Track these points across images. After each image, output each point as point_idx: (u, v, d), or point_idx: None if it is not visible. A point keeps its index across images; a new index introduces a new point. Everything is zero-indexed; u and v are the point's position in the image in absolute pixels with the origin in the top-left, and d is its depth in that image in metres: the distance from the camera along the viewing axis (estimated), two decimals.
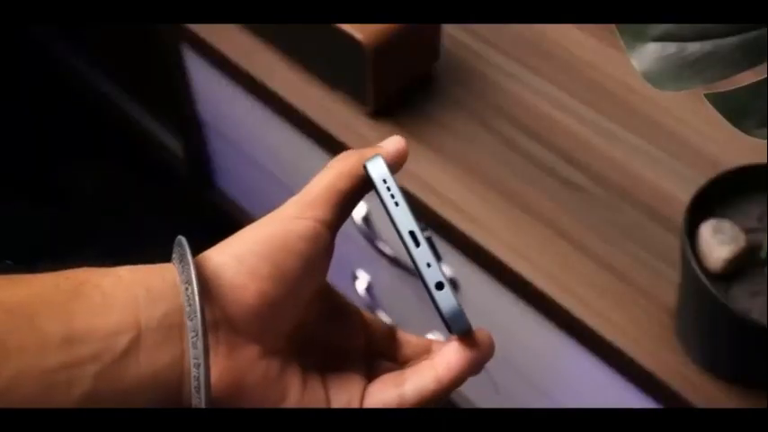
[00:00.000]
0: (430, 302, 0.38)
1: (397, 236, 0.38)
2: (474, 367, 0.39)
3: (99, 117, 1.70)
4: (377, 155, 0.39)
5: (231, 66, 1.04)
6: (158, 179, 1.62)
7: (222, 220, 1.37)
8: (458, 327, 0.38)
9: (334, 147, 0.94)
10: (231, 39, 1.04)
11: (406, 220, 0.38)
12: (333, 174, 0.40)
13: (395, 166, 0.40)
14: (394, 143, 0.41)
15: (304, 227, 0.38)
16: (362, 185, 0.40)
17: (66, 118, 1.71)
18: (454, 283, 0.94)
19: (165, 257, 0.38)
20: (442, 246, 0.89)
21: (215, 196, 1.40)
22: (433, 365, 0.39)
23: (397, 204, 0.38)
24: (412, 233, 0.38)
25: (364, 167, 0.39)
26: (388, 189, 0.38)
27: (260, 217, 0.40)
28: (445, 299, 0.37)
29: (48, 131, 1.71)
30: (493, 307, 0.92)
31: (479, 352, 0.38)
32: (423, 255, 0.38)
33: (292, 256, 0.38)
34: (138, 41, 1.38)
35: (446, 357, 0.38)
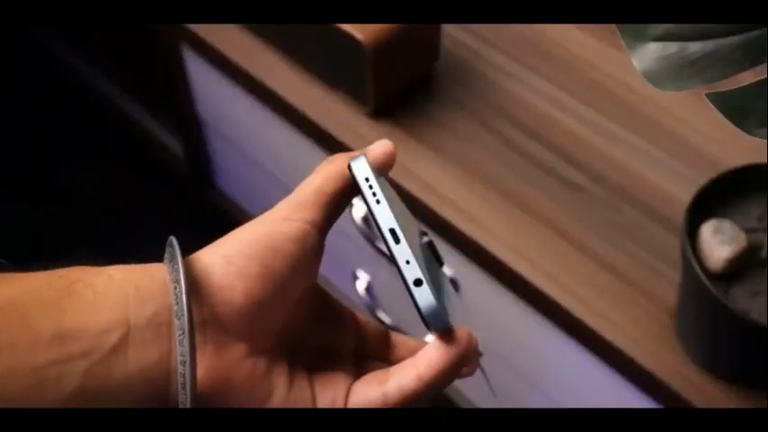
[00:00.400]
0: (410, 300, 0.37)
1: (378, 233, 0.38)
2: (455, 365, 0.38)
3: (99, 117, 1.70)
4: (361, 155, 0.39)
5: (231, 66, 1.04)
6: (158, 179, 1.62)
7: (222, 220, 1.37)
8: (436, 324, 0.38)
9: (334, 147, 0.94)
10: (231, 39, 1.04)
11: (386, 217, 0.38)
12: (321, 176, 0.40)
13: (383, 167, 0.41)
14: (381, 146, 0.41)
15: (292, 228, 0.39)
16: (351, 187, 0.40)
17: (66, 118, 1.71)
18: (454, 283, 0.94)
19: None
20: (442, 246, 0.89)
21: (215, 196, 1.40)
22: (416, 363, 0.39)
23: (378, 202, 0.38)
24: (392, 230, 0.38)
25: (349, 167, 0.39)
26: (371, 187, 0.38)
27: None
28: (423, 296, 0.37)
29: (48, 131, 1.71)
30: (493, 307, 0.92)
31: (459, 348, 0.38)
32: (402, 252, 0.38)
33: (281, 256, 0.38)
34: (138, 41, 1.38)
35: (427, 354, 0.39)
